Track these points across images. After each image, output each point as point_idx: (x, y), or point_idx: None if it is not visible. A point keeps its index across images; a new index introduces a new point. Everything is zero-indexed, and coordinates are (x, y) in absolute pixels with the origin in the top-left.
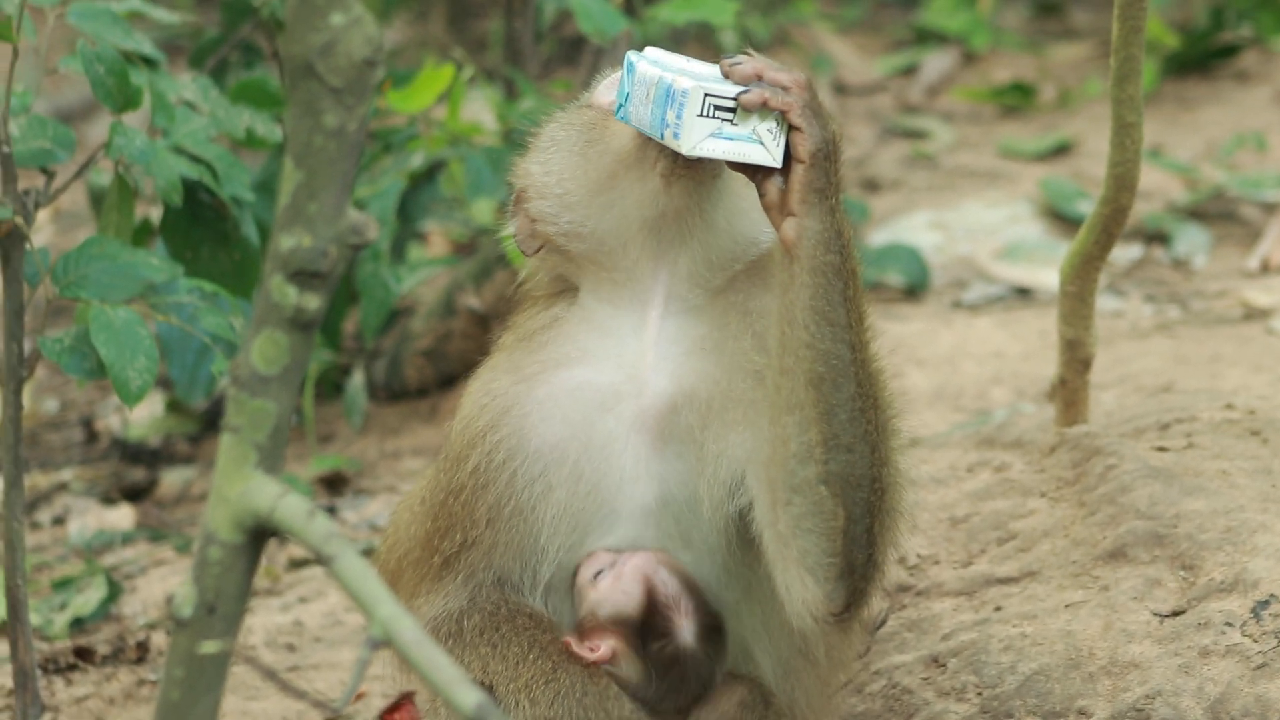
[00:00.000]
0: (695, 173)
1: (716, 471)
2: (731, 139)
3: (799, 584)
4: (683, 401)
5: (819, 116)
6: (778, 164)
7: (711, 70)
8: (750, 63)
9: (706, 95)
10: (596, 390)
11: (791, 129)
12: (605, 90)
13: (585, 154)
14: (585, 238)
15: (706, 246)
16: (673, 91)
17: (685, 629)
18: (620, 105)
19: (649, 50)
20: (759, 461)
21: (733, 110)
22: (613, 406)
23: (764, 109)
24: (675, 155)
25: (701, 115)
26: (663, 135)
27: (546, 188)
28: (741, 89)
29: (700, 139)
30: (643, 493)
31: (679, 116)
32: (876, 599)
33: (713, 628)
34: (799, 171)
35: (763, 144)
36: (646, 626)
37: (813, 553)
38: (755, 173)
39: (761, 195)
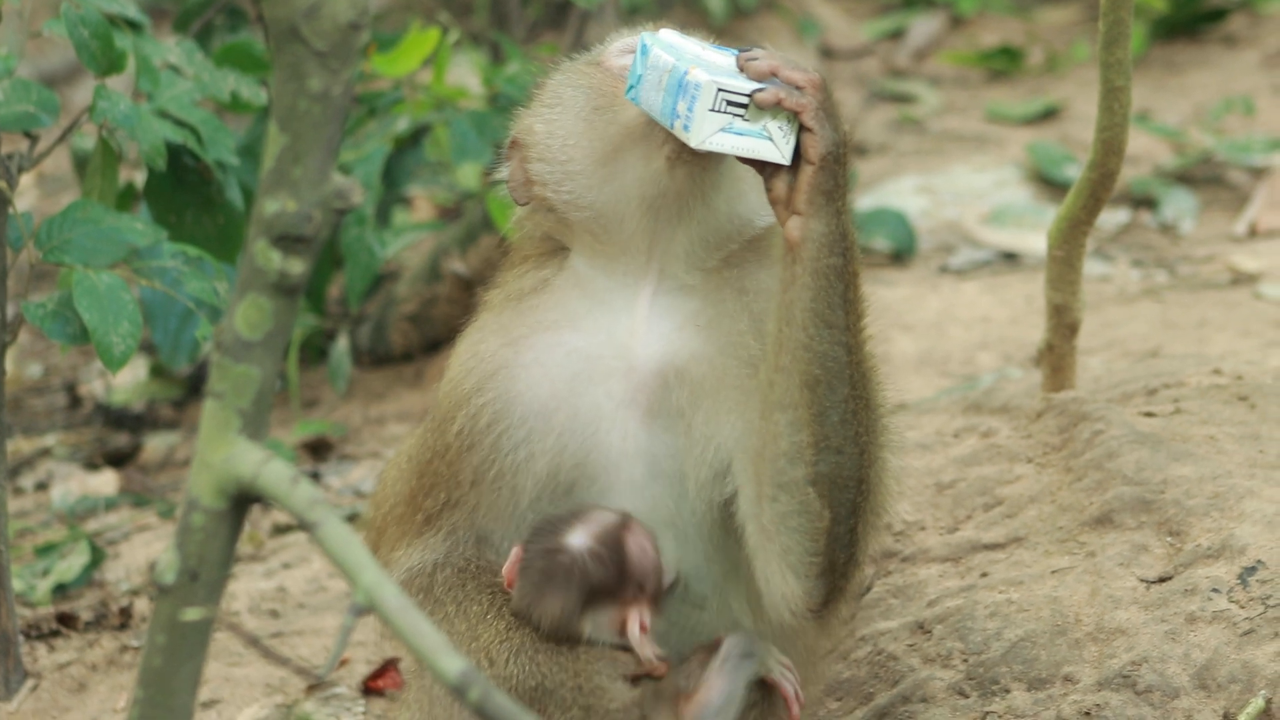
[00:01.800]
0: (701, 158)
1: (704, 454)
2: (741, 134)
3: (779, 579)
4: (673, 377)
5: (831, 118)
6: (787, 161)
7: (725, 60)
8: (766, 58)
9: (720, 90)
10: (585, 360)
11: (803, 129)
12: (615, 52)
13: (591, 121)
14: (583, 207)
15: (704, 226)
16: (685, 83)
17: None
18: (631, 86)
19: (663, 33)
20: (747, 453)
21: (745, 106)
22: (602, 380)
23: (777, 107)
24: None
25: (713, 110)
26: (672, 125)
27: (549, 151)
28: (756, 86)
29: (710, 133)
30: (630, 466)
31: (690, 109)
32: (854, 592)
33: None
34: (808, 173)
35: (772, 140)
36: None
37: (795, 550)
38: (763, 167)
39: (768, 190)
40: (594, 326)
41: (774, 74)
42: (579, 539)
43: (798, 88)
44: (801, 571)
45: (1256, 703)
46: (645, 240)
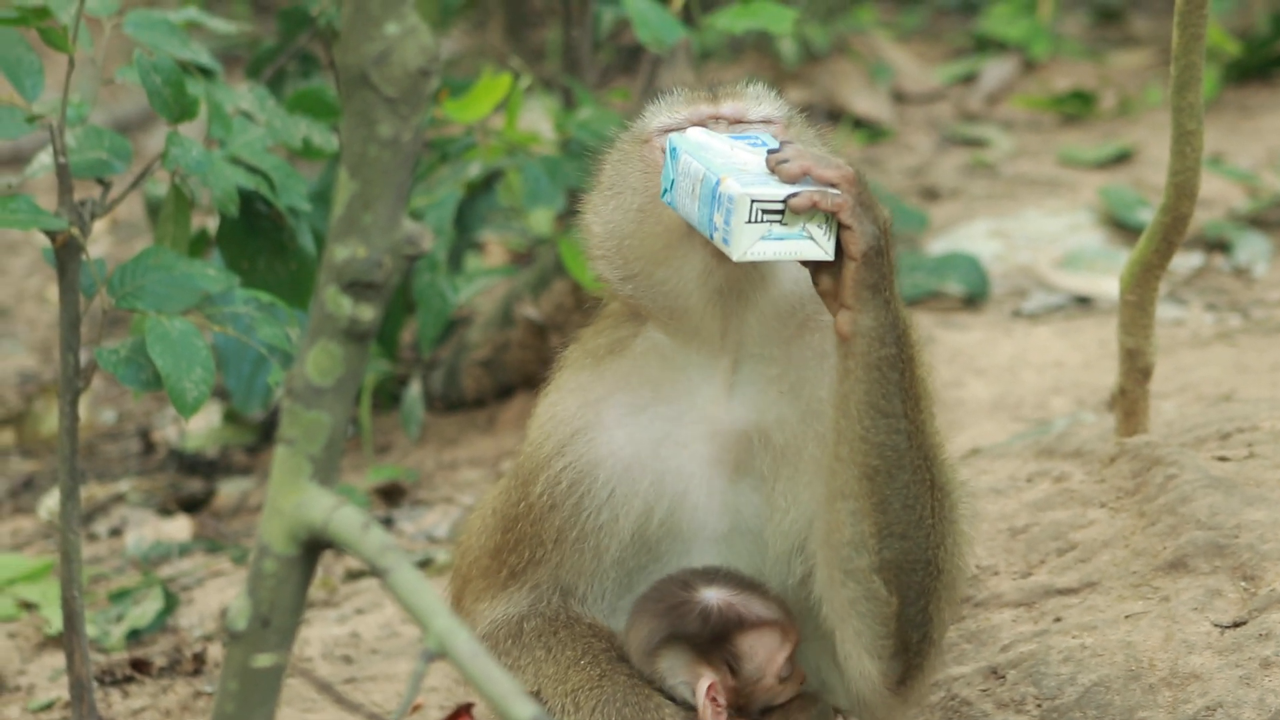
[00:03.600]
0: None
1: (781, 525)
2: (782, 239)
3: (855, 659)
4: (758, 439)
5: (869, 210)
6: (830, 257)
7: (755, 158)
8: (797, 159)
9: (754, 201)
10: (668, 422)
11: (842, 227)
12: (658, 130)
13: (640, 222)
14: (648, 301)
15: (772, 303)
16: (719, 194)
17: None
18: (666, 190)
19: (691, 133)
20: (816, 536)
21: (781, 211)
22: (687, 442)
23: (814, 209)
24: None
25: (750, 222)
26: (711, 236)
27: (608, 253)
28: (790, 190)
29: (749, 245)
30: (715, 523)
31: (727, 222)
32: (935, 666)
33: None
34: (851, 269)
35: (813, 239)
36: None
37: (866, 634)
38: (808, 262)
39: (815, 284)
40: (675, 391)
41: (806, 174)
42: (713, 594)
43: (831, 185)
44: (875, 653)
45: None
46: (717, 323)
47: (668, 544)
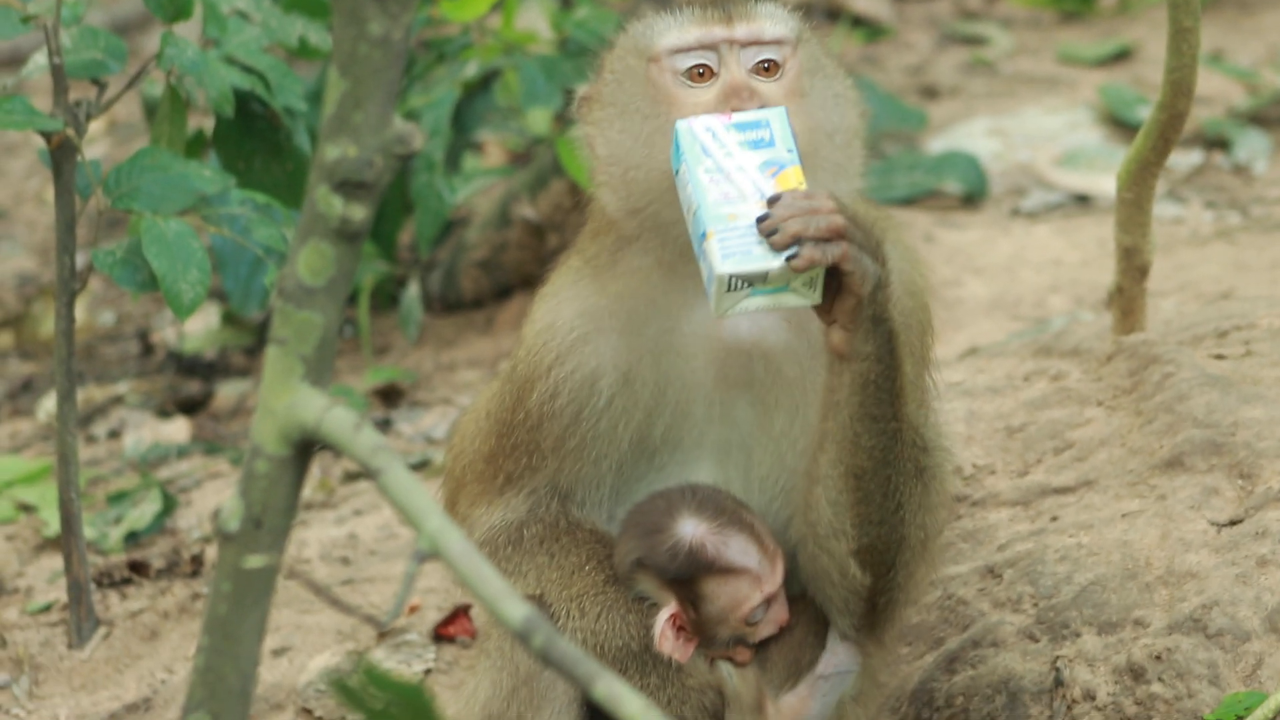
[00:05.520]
0: None
1: (780, 455)
2: (764, 293)
3: (824, 608)
4: (759, 358)
5: (868, 249)
6: (819, 301)
7: (753, 177)
8: (792, 220)
9: (732, 277)
10: (669, 334)
11: (843, 273)
12: (668, 50)
13: (650, 153)
14: (651, 235)
15: None
16: (704, 249)
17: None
18: (675, 170)
19: (696, 124)
20: (794, 503)
21: (765, 275)
22: (688, 355)
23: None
24: None
25: (730, 290)
26: (700, 263)
27: (611, 181)
28: (781, 257)
29: (729, 306)
30: (714, 434)
31: (708, 281)
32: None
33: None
34: (852, 304)
35: (797, 292)
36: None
37: (836, 599)
38: None
39: None
40: (675, 303)
41: (800, 237)
42: (690, 528)
43: (825, 240)
44: (843, 610)
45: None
46: None
47: (666, 454)
